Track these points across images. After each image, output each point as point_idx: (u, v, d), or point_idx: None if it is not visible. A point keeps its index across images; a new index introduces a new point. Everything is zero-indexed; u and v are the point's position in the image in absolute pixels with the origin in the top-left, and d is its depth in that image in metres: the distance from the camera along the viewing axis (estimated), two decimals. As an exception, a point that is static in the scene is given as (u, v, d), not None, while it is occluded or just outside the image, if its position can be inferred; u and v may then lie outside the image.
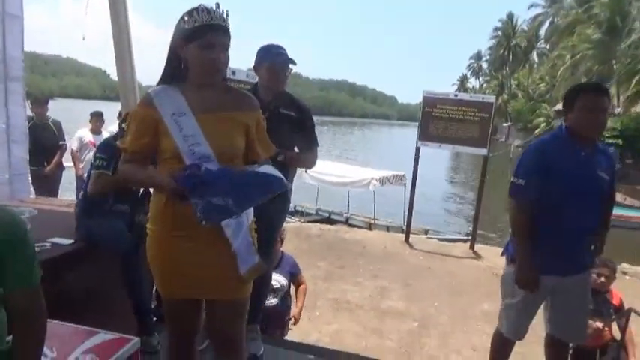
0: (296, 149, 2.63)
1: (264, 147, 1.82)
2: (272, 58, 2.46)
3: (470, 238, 7.54)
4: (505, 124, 49.34)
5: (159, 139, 1.66)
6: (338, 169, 11.76)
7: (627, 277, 6.15)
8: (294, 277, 3.17)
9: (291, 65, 2.52)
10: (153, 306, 2.78)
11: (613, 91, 33.66)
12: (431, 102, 7.18)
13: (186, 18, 1.63)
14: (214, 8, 1.63)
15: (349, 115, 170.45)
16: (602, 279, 3.08)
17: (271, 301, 2.93)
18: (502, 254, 2.59)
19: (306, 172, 9.27)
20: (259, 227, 1.85)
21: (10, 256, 1.32)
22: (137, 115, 1.71)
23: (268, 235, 2.40)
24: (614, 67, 33.43)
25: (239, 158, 1.73)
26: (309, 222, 10.03)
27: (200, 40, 1.60)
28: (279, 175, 1.65)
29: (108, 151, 2.58)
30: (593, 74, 35.78)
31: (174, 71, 1.70)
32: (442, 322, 4.52)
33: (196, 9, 1.62)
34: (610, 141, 31.04)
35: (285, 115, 2.49)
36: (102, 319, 2.14)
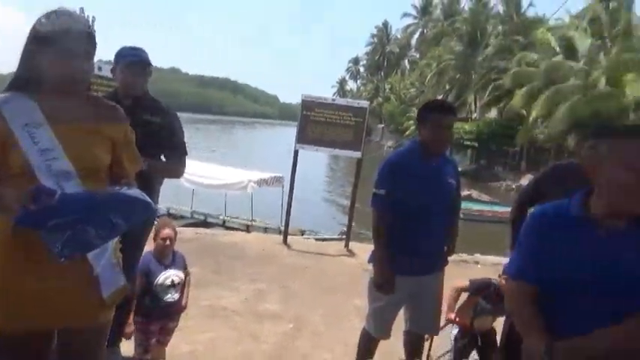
0: (163, 157, 2.53)
1: (132, 161, 1.69)
2: (126, 60, 2.36)
3: (345, 237, 7.88)
4: (380, 126, 52.47)
5: (5, 152, 1.45)
6: (215, 171, 11.56)
7: (479, 265, 6.87)
8: (186, 269, 3.26)
9: (153, 66, 2.43)
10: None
11: (471, 99, 37.55)
12: (309, 106, 7.34)
13: (43, 20, 1.44)
14: (77, 12, 1.48)
15: (230, 114, 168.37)
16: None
17: (174, 296, 3.02)
18: (369, 261, 2.77)
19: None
20: (124, 246, 1.74)
21: None
22: None
23: (133, 254, 2.29)
24: (473, 77, 37.08)
25: (104, 173, 1.58)
26: (183, 226, 9.67)
27: (59, 46, 1.43)
28: (147, 198, 1.55)
29: None
30: (455, 83, 39.56)
31: (28, 77, 1.50)
32: (316, 322, 4.63)
33: (56, 11, 1.44)
34: (468, 143, 34.78)
35: (149, 121, 2.38)
36: None
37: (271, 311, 4.72)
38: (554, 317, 1.49)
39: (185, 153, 2.60)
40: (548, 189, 2.31)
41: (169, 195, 11.66)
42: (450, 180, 2.66)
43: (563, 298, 1.49)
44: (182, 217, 12.06)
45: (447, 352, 3.24)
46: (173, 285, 3.04)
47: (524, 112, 27.51)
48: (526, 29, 33.75)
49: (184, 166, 2.63)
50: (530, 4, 40.69)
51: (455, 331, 3.19)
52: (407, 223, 2.56)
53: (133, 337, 3.04)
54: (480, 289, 3.01)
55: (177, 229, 3.53)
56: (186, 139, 2.69)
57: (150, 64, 2.41)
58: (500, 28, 37.67)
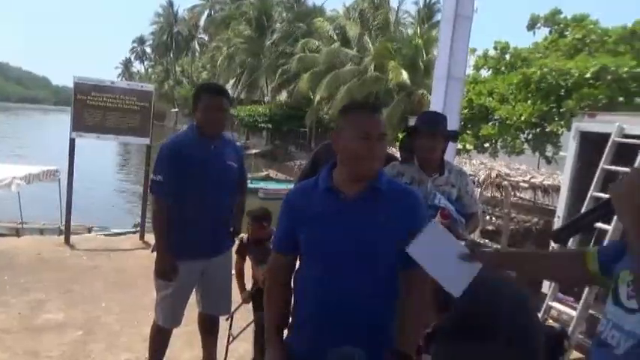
0: None
1: None
2: None
3: (139, 228, 7.42)
4: (173, 110, 50.34)
5: None
6: None
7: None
8: None
9: None
10: None
11: (262, 82, 38.73)
12: (84, 89, 6.62)
13: None
14: None
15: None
16: None
17: None
18: (152, 250, 2.65)
19: None
20: None
21: None
22: None
23: None
24: (263, 60, 38.16)
25: None
26: None
27: None
28: None
29: None
30: (246, 66, 40.20)
31: None
32: (111, 322, 4.31)
33: None
34: (262, 125, 36.00)
35: None
36: None
37: (54, 321, 4.20)
38: (304, 277, 1.70)
39: None
40: (322, 164, 2.54)
41: None
42: (230, 162, 2.69)
43: (312, 262, 1.68)
44: None
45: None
46: None
47: (311, 94, 29.66)
48: (306, 17, 36.15)
49: None
50: (310, -6, 43.49)
51: None
52: (188, 207, 2.53)
53: None
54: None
55: None
56: None
57: None
58: (284, 14, 39.51)
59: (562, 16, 12.94)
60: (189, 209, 2.52)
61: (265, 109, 35.64)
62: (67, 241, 6.51)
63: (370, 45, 28.62)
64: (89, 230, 9.80)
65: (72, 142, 6.54)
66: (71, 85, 6.66)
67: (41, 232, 9.63)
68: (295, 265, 1.76)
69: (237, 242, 3.17)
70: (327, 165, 1.70)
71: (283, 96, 36.12)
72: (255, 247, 3.09)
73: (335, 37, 30.85)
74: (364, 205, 1.61)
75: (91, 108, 6.60)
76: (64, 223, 7.26)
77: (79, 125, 6.55)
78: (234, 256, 3.17)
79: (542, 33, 13.47)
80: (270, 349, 1.71)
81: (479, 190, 7.83)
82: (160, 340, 2.74)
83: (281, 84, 35.42)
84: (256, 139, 38.50)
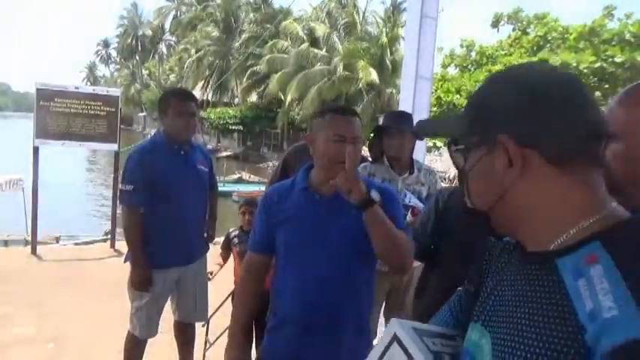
0: None
1: None
2: None
3: (109, 236, 7.27)
4: (141, 114, 49.39)
5: None
6: None
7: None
8: None
9: None
10: None
11: (232, 84, 38.40)
12: (47, 95, 6.44)
13: None
14: None
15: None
16: None
17: None
18: (125, 261, 2.60)
19: None
20: None
21: None
22: None
23: None
24: (232, 62, 37.81)
25: None
26: None
27: None
28: None
29: None
30: (215, 68, 39.77)
31: None
32: (83, 334, 4.21)
33: None
34: (233, 127, 35.70)
35: None
36: None
37: (23, 336, 4.07)
38: (284, 277, 1.69)
39: None
40: (291, 167, 2.54)
41: None
42: (201, 166, 2.67)
43: (291, 261, 1.68)
44: None
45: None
46: None
47: (281, 95, 29.57)
48: (274, 19, 35.99)
49: None
50: (276, -5, 43.30)
51: None
52: (161, 215, 2.49)
53: None
54: None
55: None
56: None
57: None
58: (252, 15, 39.24)
59: (524, 14, 13.31)
60: (162, 217, 2.48)
61: (236, 111, 35.35)
62: (33, 251, 6.32)
63: (339, 45, 28.72)
64: (57, 240, 9.52)
65: (36, 150, 6.34)
66: (33, 91, 6.47)
67: (5, 243, 9.30)
68: (269, 265, 1.76)
69: (224, 237, 3.17)
70: (303, 166, 1.70)
71: (253, 97, 35.88)
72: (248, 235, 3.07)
73: (304, 38, 30.83)
74: (341, 204, 1.61)
75: (55, 114, 6.43)
76: (29, 233, 7.06)
77: (43, 132, 6.37)
78: (209, 260, 3.14)
79: (506, 30, 13.83)
80: (232, 348, 1.70)
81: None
82: (135, 350, 2.68)
83: (251, 85, 35.16)
84: (228, 141, 38.14)
